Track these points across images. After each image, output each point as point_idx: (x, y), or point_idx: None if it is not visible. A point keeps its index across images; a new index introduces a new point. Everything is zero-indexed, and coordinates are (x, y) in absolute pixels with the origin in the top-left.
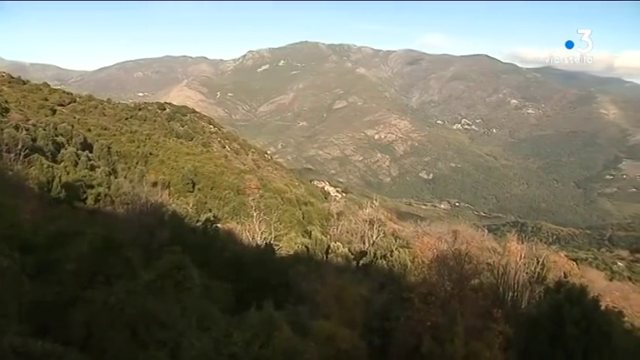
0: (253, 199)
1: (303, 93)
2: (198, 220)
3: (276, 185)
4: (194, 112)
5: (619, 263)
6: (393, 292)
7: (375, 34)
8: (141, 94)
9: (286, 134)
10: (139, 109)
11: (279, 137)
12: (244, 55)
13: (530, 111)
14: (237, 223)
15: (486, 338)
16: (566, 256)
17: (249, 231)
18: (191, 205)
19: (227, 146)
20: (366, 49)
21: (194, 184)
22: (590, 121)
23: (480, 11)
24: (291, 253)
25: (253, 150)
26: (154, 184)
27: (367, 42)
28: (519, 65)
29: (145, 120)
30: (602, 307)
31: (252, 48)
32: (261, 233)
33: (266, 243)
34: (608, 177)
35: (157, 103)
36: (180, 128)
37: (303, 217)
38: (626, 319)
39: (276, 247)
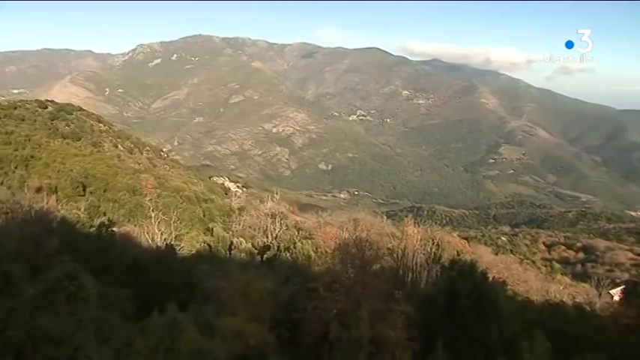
0: (151, 200)
1: (198, 88)
2: (91, 226)
3: (175, 183)
4: (81, 109)
5: (502, 238)
6: (298, 284)
7: (270, 27)
8: (16, 90)
9: (182, 131)
10: (15, 108)
11: (175, 134)
12: (134, 49)
13: (420, 101)
14: (135, 225)
15: (390, 319)
16: (458, 235)
17: (148, 232)
18: (83, 210)
19: (120, 145)
20: (261, 42)
21: (85, 188)
22: (473, 110)
23: (371, 6)
24: (194, 252)
25: (148, 148)
26: (38, 190)
27: (262, 35)
28: (409, 58)
29: (22, 119)
30: (490, 279)
31: (142, 41)
32: (161, 234)
33: (166, 244)
34: (490, 161)
35: (36, 100)
36: (66, 128)
37: (204, 215)
38: (509, 287)
39: (177, 247)
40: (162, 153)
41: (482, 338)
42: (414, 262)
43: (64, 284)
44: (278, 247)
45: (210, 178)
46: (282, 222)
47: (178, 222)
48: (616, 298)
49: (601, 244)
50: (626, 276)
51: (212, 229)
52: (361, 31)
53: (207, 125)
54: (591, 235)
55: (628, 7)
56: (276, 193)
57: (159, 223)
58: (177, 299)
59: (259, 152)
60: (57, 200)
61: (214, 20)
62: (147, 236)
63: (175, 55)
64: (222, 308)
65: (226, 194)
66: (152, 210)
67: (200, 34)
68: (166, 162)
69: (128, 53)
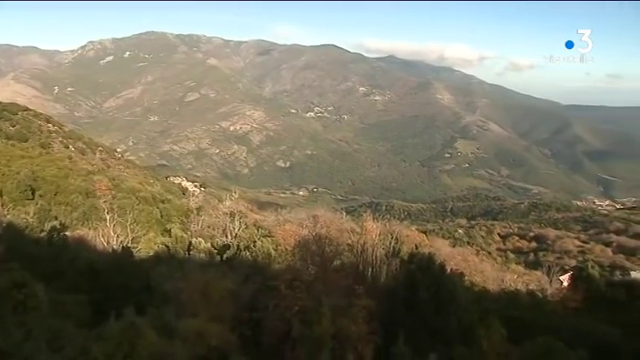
0: (105, 202)
1: (152, 86)
2: (42, 231)
3: (130, 184)
4: (27, 109)
5: (459, 231)
6: (259, 282)
7: (225, 24)
8: None
9: (137, 130)
10: None
11: (129, 134)
12: (84, 46)
13: (377, 97)
14: (89, 228)
15: (351, 314)
16: (416, 229)
17: (103, 236)
18: (32, 215)
19: (71, 146)
20: (217, 39)
21: (34, 191)
22: (428, 106)
23: (326, 3)
24: (152, 253)
25: (101, 149)
26: None
27: (217, 32)
28: (365, 55)
29: None
30: (448, 271)
31: (92, 38)
32: (117, 236)
33: (123, 246)
34: (446, 155)
35: None
36: (11, 128)
37: (162, 216)
38: (466, 278)
39: (134, 250)
40: (116, 153)
41: (441, 329)
42: (373, 257)
43: (11, 293)
44: (238, 246)
45: (167, 178)
46: (241, 221)
47: (135, 224)
48: (565, 283)
49: (551, 233)
50: (573, 263)
51: (170, 229)
52: (317, 28)
53: (162, 124)
54: (542, 225)
55: (568, 7)
56: (235, 192)
57: (114, 225)
58: (136, 303)
59: (216, 151)
60: (2, 205)
61: (167, 17)
62: (102, 239)
63: (128, 53)
64: (182, 310)
65: (184, 194)
66: (107, 212)
67: (153, 31)
68: (121, 162)
69: (77, 50)
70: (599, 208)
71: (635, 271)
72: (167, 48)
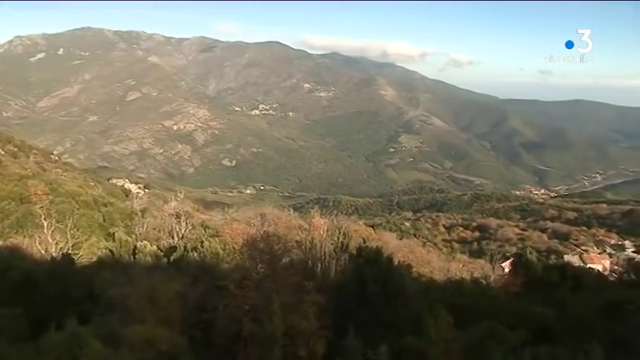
0: (42, 207)
1: (90, 84)
2: None
3: (69, 188)
4: None
5: (406, 223)
6: (207, 283)
7: (166, 21)
8: None
9: (75, 131)
10: None
11: (66, 135)
12: (11, 41)
13: (321, 94)
14: (24, 236)
15: (302, 311)
16: (364, 223)
17: (40, 243)
18: None
19: (0, 149)
20: (158, 36)
21: None
22: (372, 102)
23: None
24: (94, 259)
25: (36, 151)
26: None
27: (158, 29)
28: (309, 51)
29: None
30: (395, 263)
31: (19, 33)
32: (56, 243)
33: (62, 253)
34: (391, 150)
35: None
36: None
37: (104, 220)
38: (414, 269)
39: (75, 257)
40: (52, 156)
41: (391, 320)
42: (322, 253)
43: None
44: (185, 247)
45: (108, 180)
46: (187, 221)
47: (75, 229)
48: (506, 270)
49: (493, 222)
50: (514, 249)
51: (113, 234)
52: (261, 25)
53: (102, 124)
54: (484, 215)
55: (505, 7)
56: (180, 192)
57: (52, 231)
58: (78, 312)
59: (160, 151)
60: None
61: (104, 12)
62: (39, 247)
63: (62, 49)
64: (128, 316)
65: (127, 196)
66: (44, 218)
67: (89, 27)
68: (58, 165)
69: (3, 45)
70: (536, 197)
71: (567, 254)
72: (105, 45)
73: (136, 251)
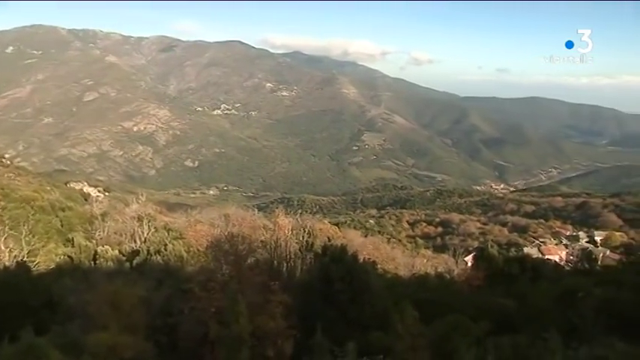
0: None
1: (44, 85)
2: None
3: (23, 193)
4: None
5: (370, 221)
6: (172, 286)
7: (123, 19)
8: None
9: (28, 133)
10: None
11: (18, 137)
12: None
13: (284, 93)
14: None
15: (268, 311)
16: (329, 222)
17: None
18: None
19: None
20: (115, 35)
21: None
22: (335, 100)
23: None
24: (53, 266)
25: None
26: None
27: (115, 27)
28: (271, 51)
29: None
30: (360, 261)
31: None
32: (9, 251)
33: (17, 261)
34: (354, 148)
35: None
36: None
37: (62, 225)
38: (379, 266)
39: (32, 264)
40: (4, 160)
41: (357, 317)
42: (287, 252)
43: None
44: (148, 251)
45: (66, 184)
46: (150, 224)
47: (31, 236)
48: (469, 264)
49: (455, 217)
50: (476, 244)
51: (72, 239)
52: (221, 24)
53: (58, 126)
54: (447, 211)
55: (463, 7)
56: (142, 195)
57: (5, 239)
58: (36, 322)
59: (120, 153)
60: None
61: (55, 10)
62: None
63: (11, 48)
64: (90, 323)
65: (86, 200)
66: None
67: (41, 25)
68: (10, 170)
69: None
70: (496, 191)
71: (526, 246)
72: (59, 44)
73: (97, 256)
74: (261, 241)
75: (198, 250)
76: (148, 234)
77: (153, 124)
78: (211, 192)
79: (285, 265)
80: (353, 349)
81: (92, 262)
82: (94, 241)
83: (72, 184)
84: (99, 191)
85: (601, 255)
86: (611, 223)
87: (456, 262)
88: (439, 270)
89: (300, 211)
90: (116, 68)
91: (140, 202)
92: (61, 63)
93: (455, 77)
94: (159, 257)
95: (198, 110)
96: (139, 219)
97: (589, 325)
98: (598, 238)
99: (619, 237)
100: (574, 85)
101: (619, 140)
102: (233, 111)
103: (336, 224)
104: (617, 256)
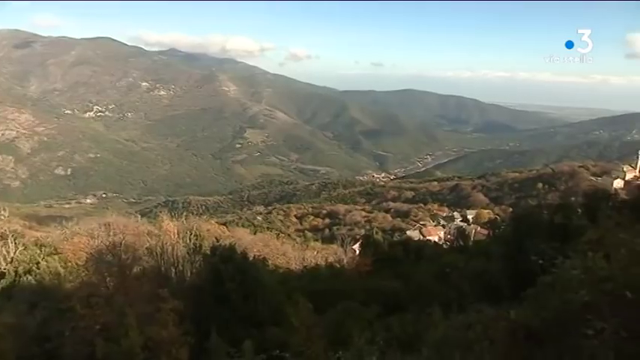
0: None
1: None
2: None
3: None
4: None
5: (258, 218)
6: (48, 308)
7: None
8: None
9: None
10: None
11: None
12: None
13: (161, 92)
14: None
15: (159, 320)
16: (216, 222)
17: None
18: None
19: None
20: None
21: None
22: (215, 98)
23: None
24: None
25: None
26: None
27: None
28: (145, 48)
29: None
30: (250, 258)
31: None
32: None
33: None
34: (237, 146)
35: None
36: None
37: None
38: (270, 262)
39: None
40: None
41: (252, 314)
42: (175, 257)
43: None
44: (16, 271)
45: None
46: (17, 242)
47: None
48: (357, 251)
49: (341, 208)
50: (362, 232)
51: None
52: (87, 19)
53: None
54: (333, 202)
55: (339, 4)
56: (4, 210)
57: None
58: None
59: None
60: None
61: None
62: None
63: None
64: None
65: None
66: None
67: None
68: None
69: None
70: (378, 180)
71: (409, 230)
72: None
73: None
74: (147, 248)
75: (77, 264)
76: (15, 253)
77: (13, 130)
78: (88, 200)
79: (173, 270)
80: (249, 348)
81: None
82: None
83: None
84: None
85: (473, 232)
86: (480, 202)
87: (345, 251)
88: (329, 260)
89: (185, 213)
90: None
91: (3, 217)
92: None
93: (333, 72)
94: (31, 277)
95: (68, 113)
96: (3, 237)
97: (465, 296)
98: (470, 217)
99: (487, 214)
100: (441, 78)
101: (482, 127)
102: (107, 113)
103: (224, 224)
104: (485, 232)
